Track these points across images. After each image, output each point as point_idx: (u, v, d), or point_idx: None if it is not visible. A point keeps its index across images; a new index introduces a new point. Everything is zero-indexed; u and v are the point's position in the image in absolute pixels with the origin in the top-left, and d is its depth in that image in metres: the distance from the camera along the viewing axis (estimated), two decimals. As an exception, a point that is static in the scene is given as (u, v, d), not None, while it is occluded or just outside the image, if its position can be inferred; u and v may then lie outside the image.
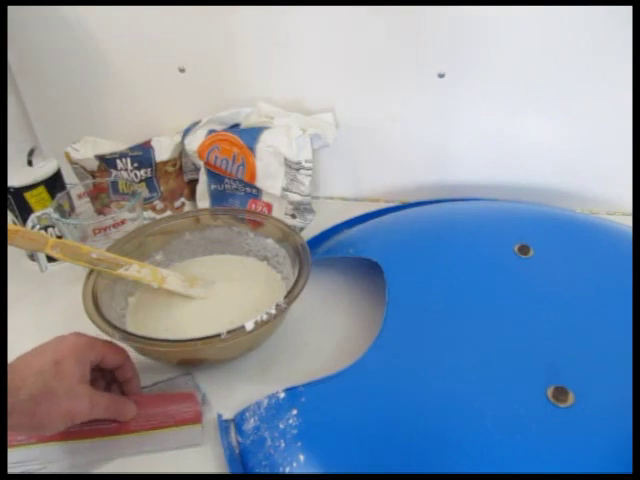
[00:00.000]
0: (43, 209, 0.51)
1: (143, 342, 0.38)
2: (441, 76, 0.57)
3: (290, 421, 0.35)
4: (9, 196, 0.53)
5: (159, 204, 0.62)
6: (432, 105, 0.59)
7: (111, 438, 0.37)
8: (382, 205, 0.62)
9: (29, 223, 0.50)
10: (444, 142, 0.61)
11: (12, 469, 0.36)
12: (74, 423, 0.35)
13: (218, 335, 0.37)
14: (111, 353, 0.38)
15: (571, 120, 0.57)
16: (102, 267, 0.44)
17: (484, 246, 0.44)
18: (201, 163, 0.59)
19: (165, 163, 0.61)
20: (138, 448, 0.37)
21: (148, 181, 0.61)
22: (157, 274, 0.46)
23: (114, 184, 0.56)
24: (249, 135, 0.57)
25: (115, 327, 0.39)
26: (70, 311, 0.43)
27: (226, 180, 0.59)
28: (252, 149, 0.56)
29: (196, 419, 0.38)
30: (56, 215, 0.50)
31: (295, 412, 0.35)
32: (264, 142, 0.56)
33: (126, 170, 0.60)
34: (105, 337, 0.38)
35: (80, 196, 0.55)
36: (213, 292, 0.48)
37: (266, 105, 0.61)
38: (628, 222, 0.48)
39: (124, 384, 0.40)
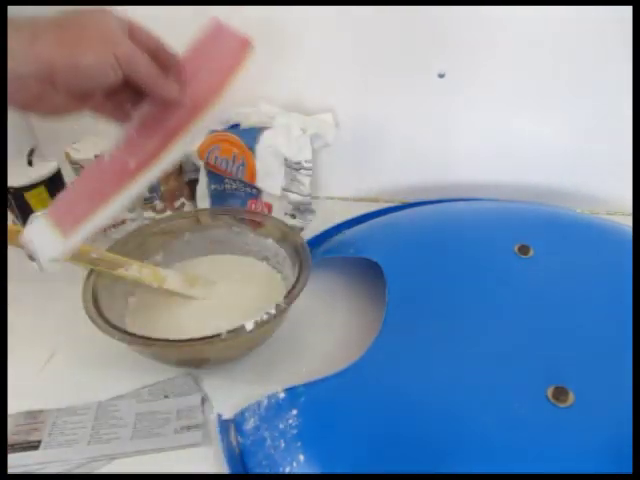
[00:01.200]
0: (43, 209, 0.51)
1: (143, 342, 0.38)
2: (441, 76, 0.57)
3: (290, 421, 0.35)
4: (9, 196, 0.53)
5: (159, 204, 0.62)
6: (432, 105, 0.59)
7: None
8: (382, 205, 0.62)
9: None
10: (444, 142, 0.61)
11: (12, 469, 0.36)
12: (115, 59, 0.29)
13: (218, 335, 0.37)
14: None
15: (571, 120, 0.58)
16: (102, 267, 0.44)
17: (484, 246, 0.44)
18: (201, 163, 0.59)
19: (165, 163, 0.61)
20: (138, 448, 0.37)
21: (148, 181, 0.61)
22: (157, 274, 0.46)
23: (114, 184, 0.56)
24: (249, 135, 0.57)
25: (115, 327, 0.39)
26: (70, 311, 0.43)
27: (226, 180, 0.59)
28: (252, 149, 0.56)
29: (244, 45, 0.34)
30: (56, 215, 0.50)
31: (295, 412, 0.35)
32: (264, 142, 0.56)
33: (126, 170, 0.60)
34: (105, 337, 0.38)
35: (80, 196, 0.55)
36: (213, 292, 0.48)
37: (266, 105, 0.61)
38: (628, 222, 0.48)
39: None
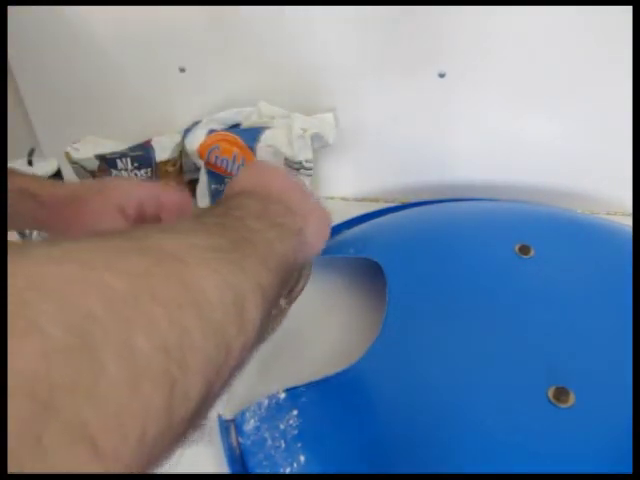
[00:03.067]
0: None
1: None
2: (441, 76, 0.57)
3: (290, 421, 0.35)
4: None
5: (159, 204, 0.62)
6: (432, 105, 0.59)
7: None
8: (382, 205, 0.62)
9: (29, 223, 0.50)
10: (444, 142, 0.61)
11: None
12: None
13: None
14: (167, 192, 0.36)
15: (571, 120, 0.58)
16: None
17: (484, 246, 0.44)
18: (201, 163, 0.59)
19: (165, 163, 0.61)
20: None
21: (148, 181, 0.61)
22: None
23: (114, 184, 0.56)
24: (249, 135, 0.57)
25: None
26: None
27: (226, 180, 0.59)
28: (252, 149, 0.56)
29: None
30: (56, 215, 0.50)
31: (295, 412, 0.35)
32: (264, 142, 0.56)
33: (126, 170, 0.60)
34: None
35: (80, 196, 0.55)
36: None
37: (266, 105, 0.61)
38: (628, 222, 0.48)
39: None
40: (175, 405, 0.17)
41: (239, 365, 0.22)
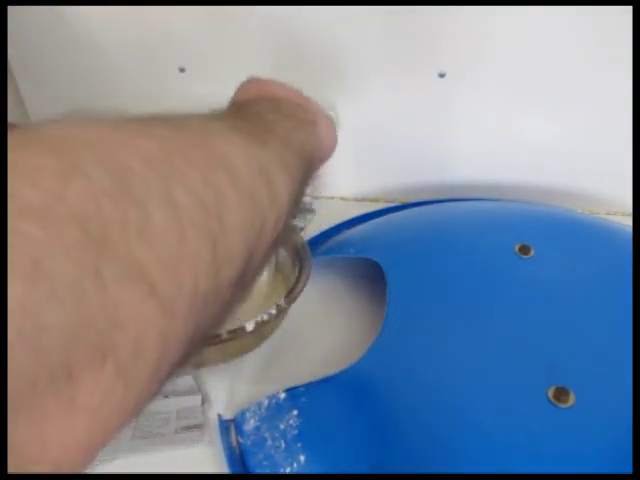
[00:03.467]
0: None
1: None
2: (441, 76, 0.57)
3: (290, 421, 0.35)
4: (9, 196, 0.53)
5: (159, 204, 0.62)
6: (432, 105, 0.59)
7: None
8: (382, 205, 0.62)
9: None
10: (444, 142, 0.61)
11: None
12: None
13: (218, 335, 0.37)
14: None
15: (571, 120, 0.57)
16: None
17: (484, 246, 0.44)
18: (201, 163, 0.59)
19: (165, 163, 0.61)
20: (138, 447, 0.37)
21: (148, 181, 0.61)
22: None
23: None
24: (249, 135, 0.57)
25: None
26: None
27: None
28: (252, 149, 0.56)
29: None
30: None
31: (295, 412, 0.35)
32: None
33: (126, 170, 0.60)
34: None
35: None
36: None
37: (266, 105, 0.60)
38: (628, 222, 0.48)
39: None
40: (220, 263, 0.17)
41: (274, 243, 0.22)
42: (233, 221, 0.18)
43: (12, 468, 0.12)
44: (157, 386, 0.18)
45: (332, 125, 0.34)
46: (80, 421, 0.13)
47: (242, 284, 0.20)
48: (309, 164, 0.27)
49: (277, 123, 0.25)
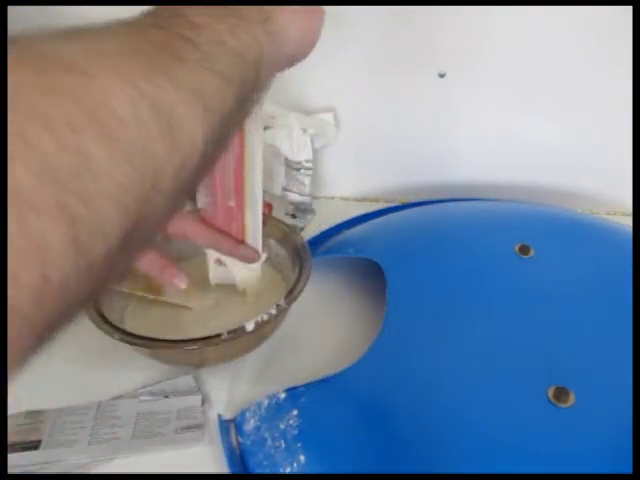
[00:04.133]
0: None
1: (144, 342, 0.38)
2: (441, 76, 0.57)
3: (290, 421, 0.35)
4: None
5: (159, 204, 0.62)
6: (432, 105, 0.59)
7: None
8: (382, 205, 0.62)
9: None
10: (444, 142, 0.61)
11: (12, 469, 0.36)
12: None
13: (219, 335, 0.37)
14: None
15: (571, 120, 0.57)
16: None
17: (484, 246, 0.44)
18: (201, 163, 0.59)
19: (165, 163, 0.61)
20: (138, 448, 0.37)
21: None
22: (152, 285, 0.45)
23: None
24: (249, 135, 0.57)
25: (115, 327, 0.39)
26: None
27: (226, 180, 0.59)
28: (252, 149, 0.56)
29: None
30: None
31: (295, 412, 0.35)
32: (264, 142, 0.56)
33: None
34: (105, 337, 0.38)
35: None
36: (212, 294, 0.48)
37: (266, 105, 0.60)
38: (628, 222, 0.49)
39: None
40: (85, 242, 0.15)
41: (183, 188, 0.19)
42: (105, 189, 0.16)
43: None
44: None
45: (313, 12, 0.28)
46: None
47: (134, 245, 0.18)
48: (254, 71, 0.23)
49: (204, 28, 0.21)
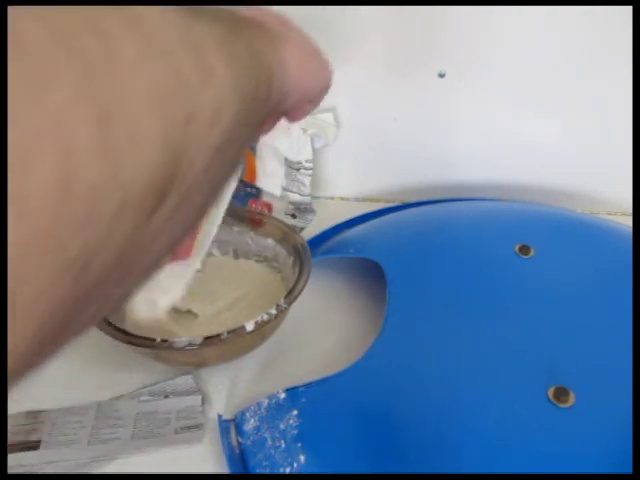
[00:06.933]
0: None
1: (143, 343, 0.38)
2: (441, 76, 0.57)
3: (291, 421, 0.35)
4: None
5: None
6: (432, 105, 0.59)
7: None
8: (382, 205, 0.62)
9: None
10: (444, 142, 0.61)
11: (12, 469, 0.36)
12: None
13: (218, 335, 0.37)
14: None
15: (571, 120, 0.58)
16: None
17: (484, 246, 0.44)
18: (201, 163, 0.59)
19: (165, 163, 0.61)
20: (138, 448, 0.37)
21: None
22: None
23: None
24: (249, 135, 0.57)
25: (115, 327, 0.39)
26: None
27: (226, 180, 0.59)
28: (252, 149, 0.56)
29: None
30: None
31: (296, 412, 0.35)
32: (264, 142, 0.56)
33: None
34: (105, 337, 0.38)
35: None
36: (211, 294, 0.48)
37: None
38: (628, 222, 0.49)
39: None
40: (117, 144, 0.12)
41: (229, 157, 0.16)
42: (136, 84, 0.12)
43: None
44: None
45: (312, 64, 0.26)
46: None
47: (174, 200, 0.14)
48: (267, 82, 0.20)
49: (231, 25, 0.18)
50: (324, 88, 0.27)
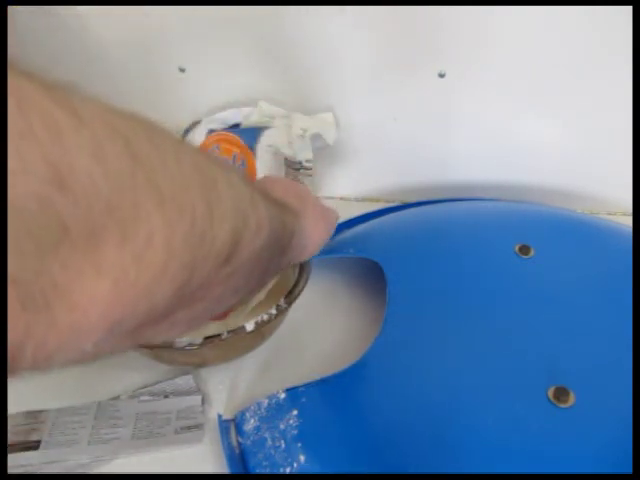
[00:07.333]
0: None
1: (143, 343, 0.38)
2: (441, 76, 0.57)
3: (290, 421, 0.35)
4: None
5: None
6: (432, 105, 0.59)
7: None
8: (382, 205, 0.62)
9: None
10: (444, 142, 0.61)
11: (12, 469, 0.36)
12: None
13: (219, 335, 0.37)
14: None
15: (571, 120, 0.57)
16: None
17: (484, 246, 0.44)
18: (201, 163, 0.59)
19: (165, 163, 0.61)
20: (138, 448, 0.37)
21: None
22: None
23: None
24: (249, 135, 0.57)
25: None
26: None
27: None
28: (252, 149, 0.56)
29: None
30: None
31: (295, 412, 0.35)
32: (264, 142, 0.56)
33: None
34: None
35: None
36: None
37: (266, 105, 0.61)
38: (628, 222, 0.48)
39: None
40: (214, 219, 0.19)
41: (250, 262, 0.23)
42: (228, 198, 0.21)
43: (32, 315, 0.14)
44: (157, 307, 0.18)
45: (323, 224, 0.36)
46: (104, 284, 0.15)
47: (228, 270, 0.21)
48: (287, 241, 0.29)
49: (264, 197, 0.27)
50: (332, 230, 0.39)
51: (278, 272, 0.33)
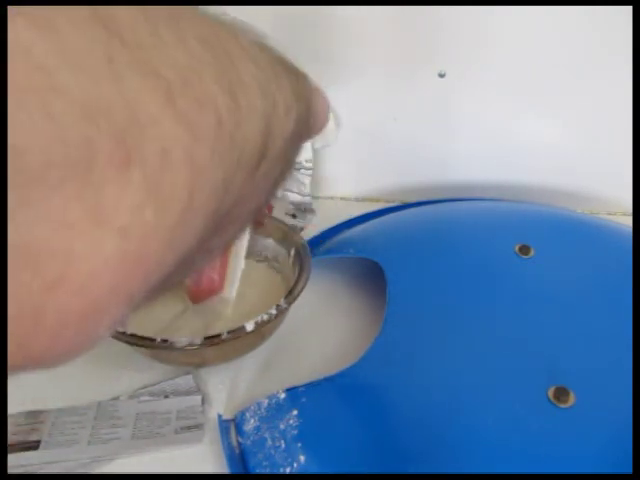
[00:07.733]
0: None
1: (144, 342, 0.38)
2: (441, 76, 0.57)
3: (291, 421, 0.35)
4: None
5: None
6: (432, 105, 0.59)
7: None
8: (382, 205, 0.62)
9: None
10: (444, 142, 0.61)
11: (12, 469, 0.36)
12: None
13: (218, 335, 0.37)
14: None
15: (571, 120, 0.58)
16: None
17: (484, 246, 0.44)
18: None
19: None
20: (138, 448, 0.37)
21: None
22: None
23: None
24: (249, 135, 0.57)
25: (115, 327, 0.39)
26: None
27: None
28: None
29: None
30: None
31: (296, 412, 0.35)
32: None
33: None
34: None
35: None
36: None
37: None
38: (628, 222, 0.48)
39: None
40: (241, 108, 0.15)
41: (284, 155, 0.19)
42: (252, 79, 0.16)
43: (23, 289, 0.10)
44: (187, 251, 0.14)
45: (325, 103, 0.30)
46: (108, 239, 0.11)
47: (266, 164, 0.17)
48: (306, 114, 0.24)
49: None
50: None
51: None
